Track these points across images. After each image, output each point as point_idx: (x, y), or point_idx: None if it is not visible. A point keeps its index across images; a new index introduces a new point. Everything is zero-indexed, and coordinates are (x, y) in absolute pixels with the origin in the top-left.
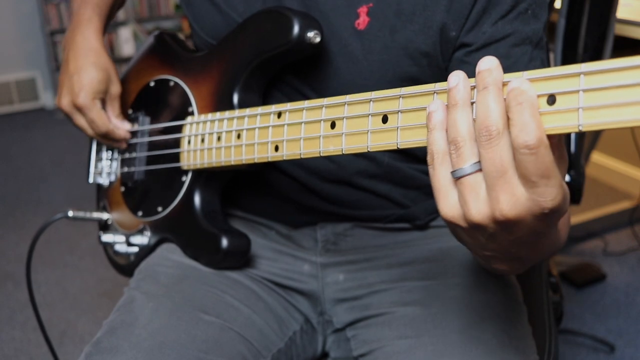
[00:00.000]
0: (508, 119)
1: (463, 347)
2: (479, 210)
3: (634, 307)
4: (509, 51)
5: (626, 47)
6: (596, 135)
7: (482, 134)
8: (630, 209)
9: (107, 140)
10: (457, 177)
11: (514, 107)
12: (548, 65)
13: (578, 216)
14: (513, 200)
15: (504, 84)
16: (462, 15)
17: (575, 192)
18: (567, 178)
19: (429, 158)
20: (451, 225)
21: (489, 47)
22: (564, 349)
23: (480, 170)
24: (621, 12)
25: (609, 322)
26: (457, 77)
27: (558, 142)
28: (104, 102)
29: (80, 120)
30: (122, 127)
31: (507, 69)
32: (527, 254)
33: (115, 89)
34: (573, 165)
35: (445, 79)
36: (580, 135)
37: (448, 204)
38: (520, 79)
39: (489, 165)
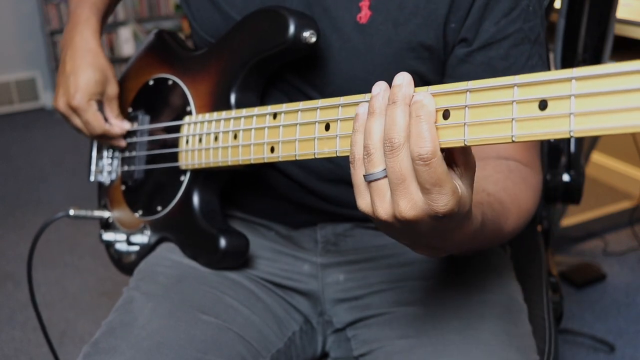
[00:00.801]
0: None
1: (463, 347)
2: (385, 211)
3: (634, 307)
4: (508, 52)
5: (626, 47)
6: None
7: (386, 144)
8: (630, 209)
9: (105, 140)
10: (368, 181)
11: (414, 119)
12: (547, 60)
13: (578, 216)
14: (411, 204)
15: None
16: (463, 8)
17: (575, 192)
18: (567, 178)
19: (350, 157)
20: (368, 217)
21: (490, 47)
22: (564, 349)
23: (386, 175)
24: (621, 12)
25: (609, 322)
26: (379, 87)
27: (463, 149)
28: (100, 103)
29: (76, 121)
30: (121, 127)
31: (505, 69)
32: (440, 244)
33: (112, 89)
34: (573, 165)
35: (446, 73)
36: None
37: (363, 201)
38: (424, 93)
39: (391, 173)
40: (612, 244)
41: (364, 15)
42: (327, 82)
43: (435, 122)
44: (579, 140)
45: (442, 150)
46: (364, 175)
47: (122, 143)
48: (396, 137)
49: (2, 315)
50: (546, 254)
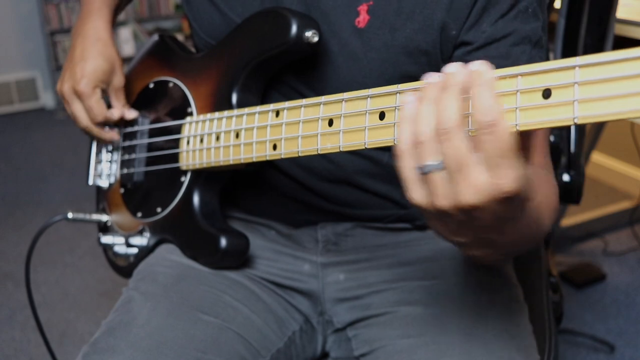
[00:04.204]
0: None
1: (464, 347)
2: (446, 201)
3: (634, 307)
4: (508, 51)
5: (626, 47)
6: (596, 135)
7: (441, 130)
8: (630, 209)
9: (99, 134)
10: (423, 173)
11: (474, 88)
12: None
13: (578, 216)
14: (474, 189)
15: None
16: (462, 14)
17: (575, 192)
18: (567, 178)
19: (396, 148)
20: (422, 211)
21: (489, 47)
22: (564, 349)
23: (443, 166)
24: (621, 12)
25: (609, 322)
26: (430, 76)
27: (524, 134)
28: (104, 93)
29: (77, 107)
30: (128, 116)
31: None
32: (498, 239)
33: (119, 80)
34: (573, 165)
35: None
36: (580, 135)
37: (416, 193)
38: (480, 62)
39: (449, 160)
40: (612, 244)
41: (363, 19)
42: (325, 85)
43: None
44: (579, 140)
45: None
46: (417, 167)
47: (115, 136)
48: (449, 122)
49: (2, 315)
50: (546, 254)
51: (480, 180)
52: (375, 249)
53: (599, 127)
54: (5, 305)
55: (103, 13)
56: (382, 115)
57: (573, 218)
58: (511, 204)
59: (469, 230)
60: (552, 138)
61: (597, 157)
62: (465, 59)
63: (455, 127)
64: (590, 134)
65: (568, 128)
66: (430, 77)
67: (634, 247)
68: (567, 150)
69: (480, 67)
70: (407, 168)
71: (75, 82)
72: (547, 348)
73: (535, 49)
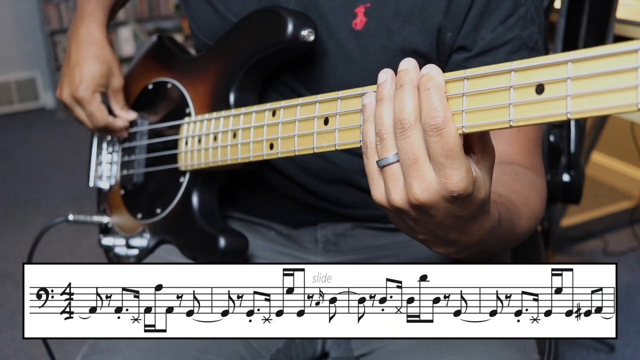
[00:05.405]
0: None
1: (464, 346)
2: (399, 196)
3: (634, 307)
4: (506, 59)
5: None
6: (596, 135)
7: (397, 126)
8: (630, 209)
9: (107, 132)
10: (381, 167)
11: (423, 92)
12: None
13: (578, 216)
14: (424, 186)
15: None
16: (458, 17)
17: (575, 192)
18: (567, 178)
19: (362, 148)
20: (384, 211)
21: (487, 54)
22: (564, 349)
23: (398, 159)
24: (621, 12)
25: None
26: (385, 74)
27: (481, 135)
28: (104, 95)
29: (79, 113)
30: (127, 117)
31: None
32: (458, 238)
33: (117, 81)
34: (573, 165)
35: None
36: (580, 135)
37: (377, 190)
38: (431, 66)
39: (403, 155)
40: (612, 244)
41: (360, 21)
42: (322, 85)
43: (446, 93)
44: (579, 140)
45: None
46: (377, 162)
47: (124, 134)
48: (406, 118)
49: (2, 315)
50: (546, 254)
51: (430, 177)
52: (374, 249)
53: (599, 126)
54: (5, 305)
55: (96, 16)
56: None
57: (573, 218)
58: (462, 204)
59: (426, 228)
60: (552, 138)
61: (597, 157)
62: (464, 65)
63: (411, 124)
64: (590, 134)
65: (568, 128)
66: (384, 75)
67: (634, 247)
68: (567, 150)
69: (430, 70)
70: (371, 164)
71: (74, 88)
72: (547, 348)
73: (533, 54)
